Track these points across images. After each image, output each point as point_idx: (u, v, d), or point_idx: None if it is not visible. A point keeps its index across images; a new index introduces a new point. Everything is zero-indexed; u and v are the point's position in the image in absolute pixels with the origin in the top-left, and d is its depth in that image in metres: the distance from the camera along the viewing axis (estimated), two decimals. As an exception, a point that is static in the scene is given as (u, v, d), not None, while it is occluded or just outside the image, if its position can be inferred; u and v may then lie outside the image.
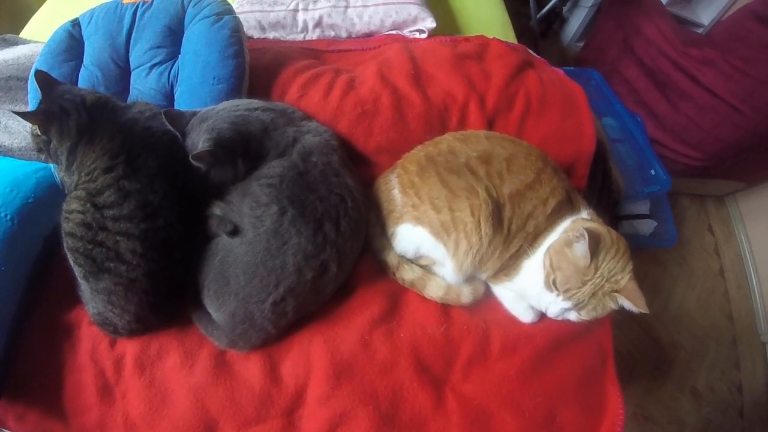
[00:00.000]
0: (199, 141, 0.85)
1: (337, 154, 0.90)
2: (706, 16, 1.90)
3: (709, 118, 1.64)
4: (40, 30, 1.43)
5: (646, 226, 1.63)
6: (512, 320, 0.92)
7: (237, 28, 1.02)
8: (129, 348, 0.88)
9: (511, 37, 1.40)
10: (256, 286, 0.80)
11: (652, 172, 1.53)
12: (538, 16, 2.04)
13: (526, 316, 0.90)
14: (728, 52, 1.55)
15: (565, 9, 2.14)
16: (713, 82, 1.60)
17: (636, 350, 1.74)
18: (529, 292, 0.87)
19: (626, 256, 0.80)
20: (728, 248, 1.98)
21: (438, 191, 0.85)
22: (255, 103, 0.93)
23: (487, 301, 0.93)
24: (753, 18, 1.48)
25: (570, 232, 0.80)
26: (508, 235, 0.83)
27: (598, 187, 1.19)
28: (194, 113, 0.90)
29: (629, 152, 1.60)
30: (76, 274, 0.84)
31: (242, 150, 0.87)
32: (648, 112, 1.78)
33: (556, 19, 2.23)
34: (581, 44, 2.15)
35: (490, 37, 1.23)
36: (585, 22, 2.07)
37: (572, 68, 1.78)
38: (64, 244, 0.84)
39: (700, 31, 1.85)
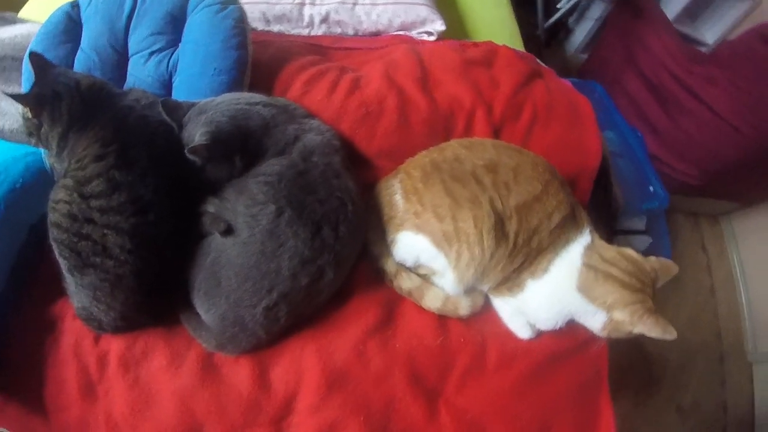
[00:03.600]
0: (195, 134, 0.82)
1: (339, 155, 0.87)
2: (710, 35, 1.91)
3: (709, 136, 1.65)
4: (39, 10, 1.38)
5: (641, 242, 1.63)
6: (509, 334, 0.90)
7: (241, 19, 0.99)
8: (114, 345, 0.85)
9: (518, 45, 1.39)
10: (249, 290, 0.77)
11: (651, 188, 1.54)
12: (545, 25, 2.04)
13: (524, 332, 0.89)
14: (733, 72, 1.56)
15: (570, 20, 2.14)
16: (716, 100, 1.60)
17: (625, 363, 1.74)
18: (531, 312, 0.86)
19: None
20: (720, 267, 2.00)
21: (442, 199, 0.83)
22: (256, 97, 0.90)
23: (484, 312, 0.91)
24: (760, 40, 1.49)
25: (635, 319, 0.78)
26: (514, 249, 0.81)
27: (599, 202, 1.19)
28: (192, 104, 0.87)
29: (628, 167, 1.60)
30: (62, 266, 0.81)
31: (240, 146, 0.84)
32: (648, 127, 1.78)
33: (561, 29, 2.22)
34: (585, 55, 2.15)
35: (498, 43, 1.21)
36: (590, 34, 2.07)
37: (575, 79, 1.78)
38: (50, 235, 0.80)
39: (703, 50, 1.86)
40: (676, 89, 1.70)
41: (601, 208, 1.21)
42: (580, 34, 2.10)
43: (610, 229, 1.37)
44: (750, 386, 1.80)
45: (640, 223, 1.63)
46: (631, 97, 1.85)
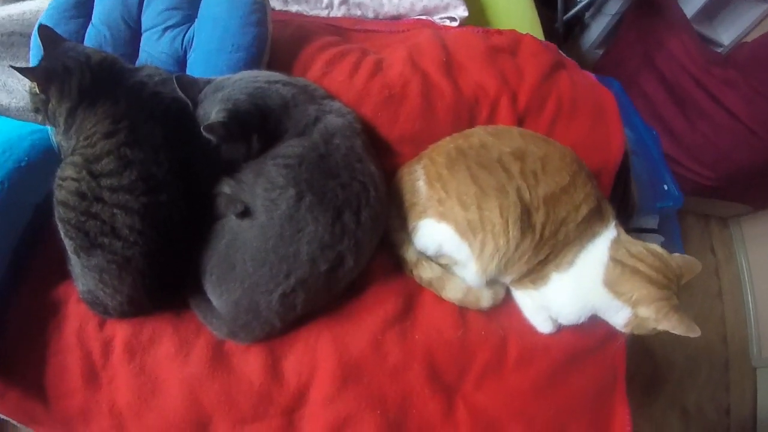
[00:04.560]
0: (212, 111, 0.79)
1: (361, 139, 0.84)
2: (726, 37, 1.88)
3: (725, 138, 1.62)
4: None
5: (654, 241, 1.60)
6: (530, 328, 0.88)
7: (262, -6, 0.95)
8: (119, 331, 0.81)
9: (539, 36, 1.35)
10: (265, 275, 0.74)
11: (665, 187, 1.52)
12: (564, 18, 2.00)
13: (545, 327, 0.86)
14: (752, 75, 1.54)
15: (587, 15, 2.11)
16: (733, 103, 1.58)
17: (632, 364, 1.72)
18: (554, 305, 0.83)
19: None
20: (728, 271, 1.98)
21: (467, 187, 0.80)
22: (275, 75, 0.86)
23: (505, 305, 0.89)
24: (780, 43, 1.46)
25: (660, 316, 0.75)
26: (540, 241, 0.79)
27: (618, 198, 1.16)
28: (208, 81, 0.84)
29: (643, 165, 1.57)
30: (67, 247, 0.78)
31: (259, 125, 0.80)
32: (664, 127, 1.76)
33: (576, 24, 2.19)
34: (600, 51, 2.12)
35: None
36: (606, 30, 2.03)
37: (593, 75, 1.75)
38: (56, 214, 0.77)
39: (719, 50, 1.84)
40: (694, 90, 1.67)
41: (621, 205, 1.19)
42: (597, 29, 2.07)
43: (625, 226, 1.35)
44: (754, 391, 1.79)
45: (653, 222, 1.60)
46: (647, 96, 1.82)
